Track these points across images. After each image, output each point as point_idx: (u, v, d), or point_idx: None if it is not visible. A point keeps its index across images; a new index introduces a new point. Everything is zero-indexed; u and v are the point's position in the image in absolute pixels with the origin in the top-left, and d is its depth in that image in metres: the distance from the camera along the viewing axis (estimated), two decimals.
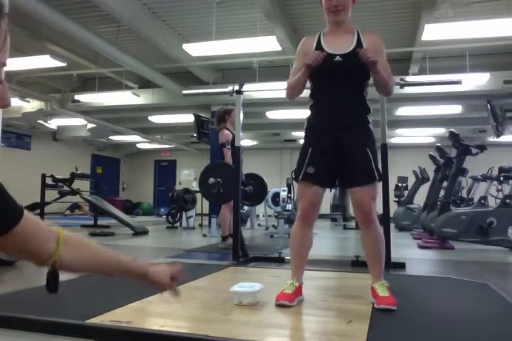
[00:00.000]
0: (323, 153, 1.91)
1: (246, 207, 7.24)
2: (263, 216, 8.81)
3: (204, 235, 6.21)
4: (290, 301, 1.83)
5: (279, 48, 6.14)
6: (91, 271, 0.93)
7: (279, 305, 1.81)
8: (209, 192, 4.01)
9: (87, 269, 0.90)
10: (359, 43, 1.91)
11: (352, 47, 1.89)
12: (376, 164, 1.92)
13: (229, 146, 4.35)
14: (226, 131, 4.48)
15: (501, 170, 5.60)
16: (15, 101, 8.47)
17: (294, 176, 2.06)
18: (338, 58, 1.87)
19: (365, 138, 1.94)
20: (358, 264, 3.22)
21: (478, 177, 7.35)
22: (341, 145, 1.89)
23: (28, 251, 0.75)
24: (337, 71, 1.88)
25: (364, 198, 1.88)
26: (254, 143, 13.51)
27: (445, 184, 5.52)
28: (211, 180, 3.94)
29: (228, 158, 4.36)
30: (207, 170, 4.23)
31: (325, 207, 10.28)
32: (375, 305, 1.81)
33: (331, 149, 1.90)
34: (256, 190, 4.86)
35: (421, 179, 7.81)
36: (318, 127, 1.98)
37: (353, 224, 8.59)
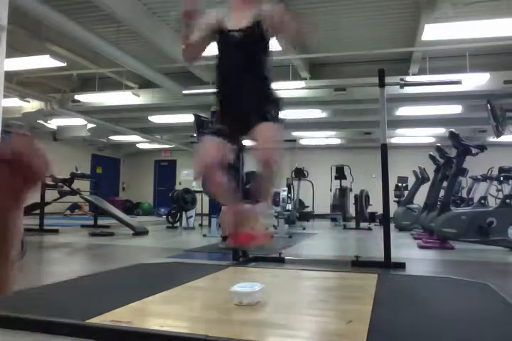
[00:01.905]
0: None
1: None
2: None
3: (204, 235, 6.21)
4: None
5: (279, 48, 6.14)
6: None
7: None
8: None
9: None
10: (256, 16, 1.89)
11: (249, 23, 1.88)
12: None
13: None
14: None
15: (501, 170, 5.60)
16: (15, 101, 8.48)
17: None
18: (235, 33, 1.88)
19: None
20: (358, 264, 3.22)
21: (478, 177, 7.35)
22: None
23: None
24: (236, 45, 1.90)
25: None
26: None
27: (445, 184, 5.52)
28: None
29: None
30: None
31: (325, 207, 10.31)
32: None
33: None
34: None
35: (421, 179, 7.81)
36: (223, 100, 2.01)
37: (353, 224, 8.60)
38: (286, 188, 7.11)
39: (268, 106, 1.93)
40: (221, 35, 1.92)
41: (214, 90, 2.06)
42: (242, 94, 1.94)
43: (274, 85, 2.00)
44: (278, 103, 1.99)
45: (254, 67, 1.94)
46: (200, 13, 1.91)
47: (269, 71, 1.97)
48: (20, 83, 8.34)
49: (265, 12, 1.91)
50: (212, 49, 2.02)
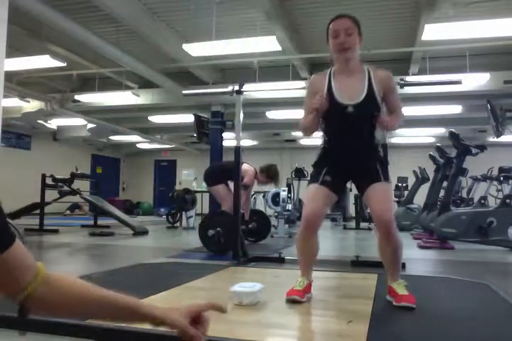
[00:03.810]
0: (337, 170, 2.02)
1: None
2: None
3: None
4: (301, 297, 1.88)
5: (279, 48, 6.14)
6: (79, 315, 0.84)
7: (290, 300, 1.86)
8: (209, 243, 3.99)
9: (71, 313, 0.78)
10: (370, 88, 1.91)
11: (363, 96, 1.90)
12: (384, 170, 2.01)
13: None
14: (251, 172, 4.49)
15: (501, 170, 5.60)
16: (15, 101, 8.48)
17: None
18: (350, 109, 1.89)
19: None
20: (358, 264, 3.22)
21: (478, 177, 7.35)
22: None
23: (3, 280, 0.67)
24: (349, 119, 1.91)
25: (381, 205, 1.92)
26: (254, 143, 13.51)
27: (445, 184, 5.52)
28: (210, 232, 3.91)
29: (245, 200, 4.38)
30: (206, 220, 4.22)
31: None
32: (394, 303, 1.83)
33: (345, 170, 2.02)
34: (259, 226, 4.85)
35: (421, 179, 7.81)
36: (333, 158, 2.05)
37: (353, 224, 8.59)
38: (286, 188, 7.10)
39: (380, 164, 1.98)
40: (332, 108, 1.90)
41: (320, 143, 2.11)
42: (354, 152, 1.99)
43: (382, 147, 2.06)
44: (386, 165, 2.03)
45: (366, 137, 1.97)
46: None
47: (378, 134, 2.03)
48: (20, 83, 8.34)
49: (382, 83, 1.92)
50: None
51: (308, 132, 2.05)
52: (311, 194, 1.98)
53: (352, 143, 1.97)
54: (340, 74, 1.97)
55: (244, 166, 4.39)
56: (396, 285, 1.91)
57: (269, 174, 4.67)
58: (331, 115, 1.93)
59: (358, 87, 1.91)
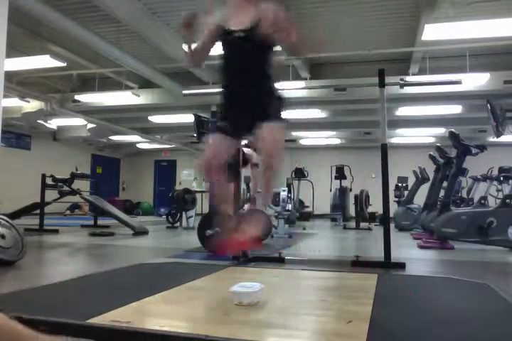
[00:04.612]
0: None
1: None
2: None
3: None
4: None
5: (279, 48, 6.13)
6: None
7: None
8: (208, 243, 3.98)
9: None
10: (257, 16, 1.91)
11: (252, 22, 1.90)
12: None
13: None
14: None
15: (501, 170, 5.60)
16: (15, 101, 8.47)
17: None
18: (239, 34, 1.90)
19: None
20: (358, 264, 3.22)
21: (478, 177, 7.35)
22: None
23: None
24: (238, 47, 1.92)
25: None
26: None
27: (445, 184, 5.52)
28: (208, 232, 3.92)
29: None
30: (204, 220, 4.21)
31: (325, 207, 10.31)
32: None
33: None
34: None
35: (421, 179, 7.81)
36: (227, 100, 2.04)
37: (353, 224, 8.59)
38: (286, 188, 7.10)
39: (271, 105, 1.95)
40: (223, 36, 1.93)
41: (218, 90, 2.08)
42: (245, 93, 1.96)
43: (277, 85, 2.00)
44: (281, 102, 2.01)
45: (258, 68, 1.96)
46: (200, 18, 1.92)
47: (272, 70, 1.98)
48: (20, 83, 8.34)
49: (262, 12, 1.91)
50: (215, 49, 2.02)
51: (194, 57, 2.03)
52: (208, 141, 2.02)
53: (243, 74, 1.95)
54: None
55: (246, 150, 4.68)
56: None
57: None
58: (222, 44, 1.94)
59: (247, 16, 1.92)
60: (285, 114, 2.01)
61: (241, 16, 1.93)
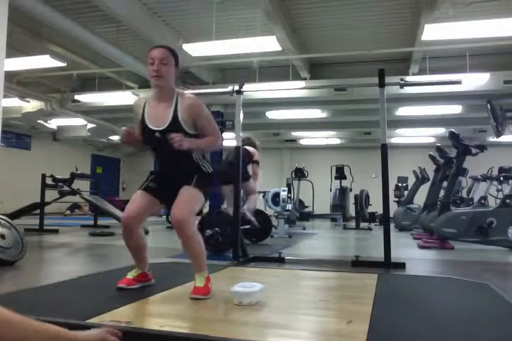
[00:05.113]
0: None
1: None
2: None
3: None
4: (128, 284, 2.07)
5: (279, 48, 6.14)
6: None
7: (118, 289, 2.04)
8: (207, 243, 3.97)
9: None
10: (175, 115, 2.03)
11: (168, 123, 2.02)
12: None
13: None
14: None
15: (501, 170, 5.59)
16: (15, 101, 8.48)
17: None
18: (157, 134, 2.03)
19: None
20: (358, 264, 3.22)
21: (478, 177, 7.35)
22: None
23: None
24: (160, 143, 2.04)
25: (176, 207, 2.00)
26: None
27: (445, 184, 5.52)
28: (208, 232, 3.90)
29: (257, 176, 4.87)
30: (204, 219, 4.18)
31: (325, 207, 10.31)
32: (189, 295, 1.92)
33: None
34: (261, 226, 4.86)
35: (421, 179, 7.81)
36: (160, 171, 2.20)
37: (353, 224, 8.60)
38: (286, 188, 7.10)
39: (193, 177, 2.08)
40: (146, 132, 2.07)
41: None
42: (174, 172, 2.13)
43: (205, 162, 2.16)
44: (206, 175, 2.13)
45: (180, 157, 2.08)
46: (132, 134, 2.08)
47: (198, 151, 2.13)
48: (20, 83, 8.34)
49: (190, 109, 2.04)
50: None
51: (130, 145, 2.19)
52: (132, 198, 2.11)
53: (170, 162, 2.13)
54: (153, 100, 2.10)
55: (249, 149, 4.83)
56: (197, 277, 2.00)
57: (255, 146, 5.02)
58: (146, 138, 2.09)
59: (165, 113, 2.04)
60: (208, 187, 2.14)
61: (157, 120, 2.04)
